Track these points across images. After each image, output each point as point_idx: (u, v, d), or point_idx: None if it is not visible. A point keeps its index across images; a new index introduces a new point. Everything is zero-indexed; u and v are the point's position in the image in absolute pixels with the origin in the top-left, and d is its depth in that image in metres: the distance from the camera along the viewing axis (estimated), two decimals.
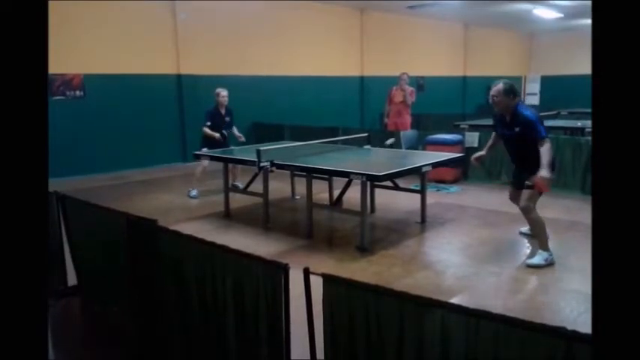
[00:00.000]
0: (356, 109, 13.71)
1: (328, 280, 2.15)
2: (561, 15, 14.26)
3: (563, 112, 11.91)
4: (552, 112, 11.39)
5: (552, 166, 4.18)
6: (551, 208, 5.56)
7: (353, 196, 5.06)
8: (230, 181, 6.54)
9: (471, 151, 7.70)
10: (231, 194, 6.24)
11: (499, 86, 4.26)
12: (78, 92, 8.80)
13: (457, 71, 16.96)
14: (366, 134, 6.78)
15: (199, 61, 10.12)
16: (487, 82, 4.45)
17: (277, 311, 2.23)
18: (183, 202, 7.01)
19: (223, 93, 7.15)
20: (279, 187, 7.03)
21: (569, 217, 5.71)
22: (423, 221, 5.70)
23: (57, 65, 7.97)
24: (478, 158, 4.86)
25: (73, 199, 3.70)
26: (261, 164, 5.17)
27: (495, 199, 6.30)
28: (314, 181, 5.33)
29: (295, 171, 5.78)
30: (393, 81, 9.83)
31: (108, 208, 3.44)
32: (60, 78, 8.53)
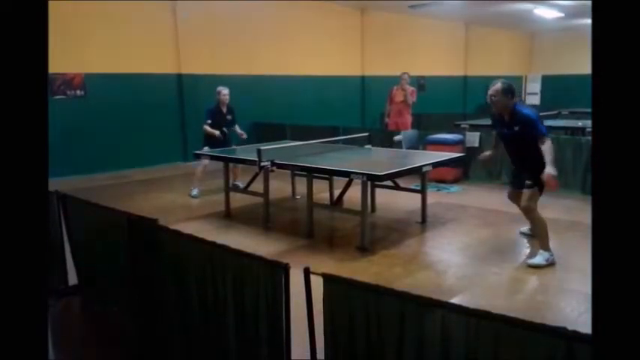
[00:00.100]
0: (357, 109, 13.70)
1: (328, 279, 2.15)
2: (562, 15, 14.25)
3: (564, 112, 11.90)
4: (553, 111, 11.38)
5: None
6: (552, 208, 5.55)
7: (353, 195, 5.06)
8: (230, 181, 6.55)
9: (471, 150, 7.72)
10: (231, 194, 6.24)
11: (497, 86, 4.25)
12: (79, 92, 8.80)
13: (458, 71, 16.95)
14: (366, 134, 6.78)
15: (200, 60, 10.12)
16: (488, 81, 4.44)
17: (277, 311, 2.23)
18: (183, 201, 7.01)
19: (224, 91, 7.16)
20: (280, 186, 7.03)
21: (570, 217, 5.71)
22: (424, 221, 5.70)
23: (58, 65, 7.97)
24: (487, 157, 4.88)
25: (73, 198, 3.71)
26: (262, 164, 5.17)
27: (496, 198, 6.29)
28: (314, 180, 5.33)
29: (296, 170, 5.78)
30: (394, 81, 9.84)
31: (108, 207, 3.44)
32: (61, 77, 8.53)
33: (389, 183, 5.50)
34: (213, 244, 2.56)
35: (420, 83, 14.36)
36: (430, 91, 14.68)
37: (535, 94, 18.33)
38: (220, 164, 6.36)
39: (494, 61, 17.20)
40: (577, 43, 15.68)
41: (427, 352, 1.91)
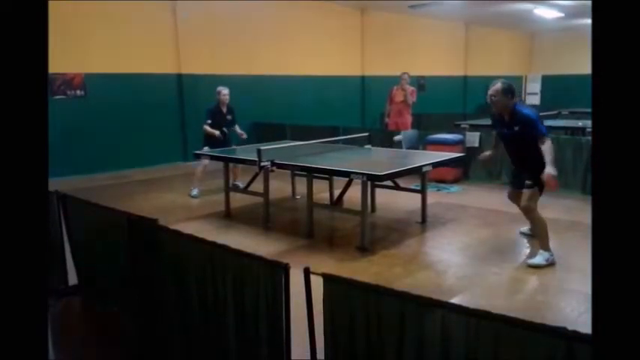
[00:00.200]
0: (357, 109, 13.70)
1: (329, 279, 2.15)
2: (562, 15, 14.25)
3: (564, 112, 11.90)
4: (553, 111, 11.38)
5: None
6: (552, 208, 5.55)
7: (353, 195, 5.06)
8: (231, 181, 6.55)
9: (471, 151, 7.72)
10: (231, 194, 6.24)
11: (497, 86, 4.25)
12: (79, 91, 8.80)
13: (458, 71, 16.95)
14: (366, 134, 6.78)
15: (200, 60, 10.12)
16: (488, 81, 4.44)
17: (277, 311, 2.23)
18: (183, 201, 7.01)
19: (224, 91, 7.17)
20: (280, 186, 7.03)
21: (570, 217, 5.71)
22: (424, 221, 5.70)
23: (58, 65, 7.97)
24: (487, 157, 4.88)
25: (73, 198, 3.71)
26: (262, 164, 5.17)
27: (496, 198, 6.29)
28: (314, 180, 5.33)
29: (296, 170, 5.78)
30: (394, 81, 9.84)
31: (108, 207, 3.44)
32: (61, 77, 8.53)
33: (389, 183, 5.50)
34: (213, 244, 2.56)
35: (420, 83, 14.36)
36: (430, 91, 14.68)
37: (535, 94, 18.33)
38: (220, 164, 6.36)
39: (494, 61, 17.20)
40: (577, 43, 15.68)
41: (427, 352, 1.91)
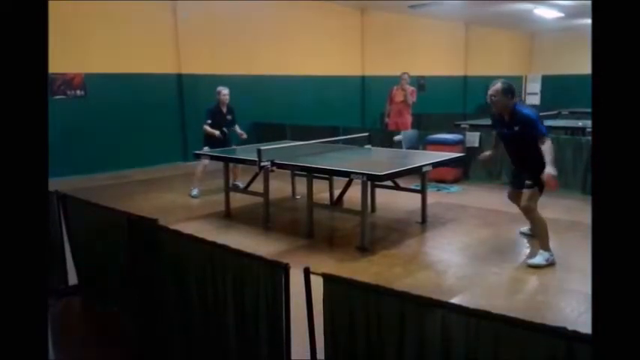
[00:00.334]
0: (357, 109, 13.71)
1: (329, 279, 2.15)
2: (562, 15, 14.25)
3: (564, 112, 11.90)
4: (553, 111, 11.38)
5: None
6: (552, 208, 5.55)
7: (353, 195, 5.06)
8: (231, 181, 6.55)
9: (471, 151, 7.72)
10: (231, 194, 6.24)
11: (497, 86, 4.25)
12: (79, 91, 8.80)
13: (458, 71, 16.95)
14: (366, 134, 6.78)
15: (200, 60, 10.12)
16: (488, 81, 4.44)
17: (277, 311, 2.23)
18: (183, 201, 7.01)
19: (224, 91, 7.17)
20: (280, 186, 7.03)
21: (570, 217, 5.70)
22: (424, 221, 5.70)
23: (58, 65, 7.97)
24: (487, 157, 4.88)
25: (73, 198, 3.71)
26: (262, 164, 5.17)
27: (496, 199, 6.29)
28: (314, 180, 5.33)
29: (296, 170, 5.78)
30: (394, 81, 9.84)
31: (108, 207, 3.44)
32: (61, 77, 8.53)
33: (389, 183, 5.50)
34: (213, 244, 2.56)
35: (420, 83, 14.36)
36: (430, 91, 14.68)
37: (535, 94, 18.33)
38: (220, 164, 6.36)
39: (494, 61, 17.21)
40: (577, 43, 15.68)
41: (427, 352, 1.91)
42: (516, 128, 4.24)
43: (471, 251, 4.82)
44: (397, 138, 8.42)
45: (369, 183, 4.90)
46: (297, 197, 6.90)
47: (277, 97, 11.42)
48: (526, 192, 4.33)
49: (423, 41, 15.15)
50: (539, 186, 4.24)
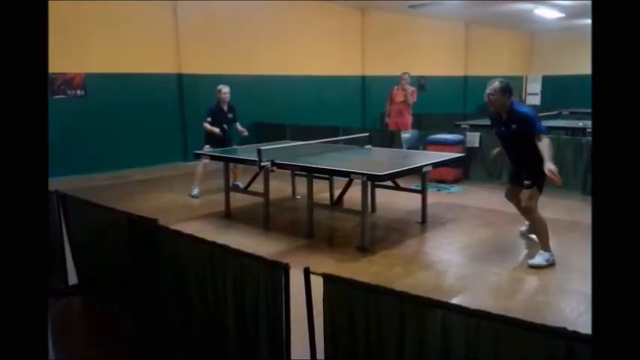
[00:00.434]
0: (357, 109, 13.70)
1: (328, 279, 2.15)
2: (562, 15, 14.25)
3: (565, 112, 11.90)
4: (553, 112, 11.38)
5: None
6: (552, 208, 5.55)
7: (353, 195, 5.06)
8: (231, 181, 6.55)
9: (471, 151, 7.72)
10: (231, 194, 6.24)
11: (495, 84, 4.25)
12: (79, 91, 8.80)
13: (458, 71, 16.95)
14: (367, 134, 6.78)
15: (200, 60, 10.13)
16: (488, 82, 4.45)
17: (277, 311, 2.23)
18: (183, 201, 7.01)
19: (225, 90, 7.19)
20: (280, 186, 7.03)
21: (570, 217, 5.70)
22: (424, 221, 5.70)
23: (58, 64, 7.98)
24: (497, 153, 4.93)
25: (73, 198, 3.71)
26: (262, 164, 5.17)
27: (496, 199, 6.27)
28: (315, 180, 5.33)
29: (296, 170, 5.78)
30: (395, 81, 9.83)
31: (108, 207, 3.44)
32: (61, 77, 8.53)
33: (389, 183, 5.50)
34: (213, 244, 2.56)
35: (421, 83, 14.36)
36: (430, 91, 14.68)
37: (535, 94, 18.31)
38: (220, 164, 6.36)
39: (494, 62, 17.21)
40: (577, 43, 15.68)
41: (427, 352, 1.91)
42: (514, 126, 4.24)
43: (471, 251, 4.82)
44: (405, 136, 8.42)
45: (369, 183, 4.90)
46: (297, 197, 6.90)
47: (277, 97, 11.42)
48: (526, 192, 4.32)
49: (423, 41, 15.15)
50: (539, 186, 4.24)
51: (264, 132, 10.12)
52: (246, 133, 7.34)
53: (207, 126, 7.04)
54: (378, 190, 6.11)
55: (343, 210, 5.37)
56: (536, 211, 4.39)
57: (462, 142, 7.95)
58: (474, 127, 8.86)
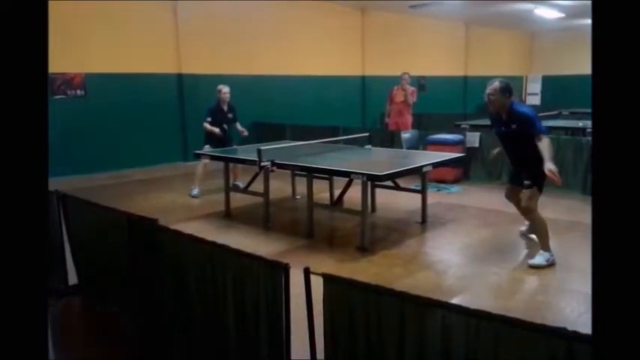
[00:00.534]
0: (357, 109, 13.70)
1: (328, 279, 2.15)
2: (562, 15, 14.25)
3: (565, 112, 11.89)
4: (553, 112, 11.38)
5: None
6: (552, 208, 5.55)
7: (353, 195, 5.06)
8: (231, 181, 6.55)
9: (471, 151, 7.72)
10: (231, 194, 6.24)
11: (495, 84, 4.25)
12: (79, 91, 8.80)
13: (458, 71, 16.95)
14: (367, 134, 6.78)
15: (200, 60, 10.13)
16: (488, 82, 4.45)
17: (277, 311, 2.23)
18: (183, 201, 7.01)
19: (225, 90, 7.19)
20: (280, 186, 7.03)
21: (570, 217, 5.70)
22: (424, 221, 5.70)
23: (58, 64, 7.98)
24: (497, 153, 4.93)
25: (73, 198, 3.71)
26: (262, 164, 5.17)
27: (496, 199, 6.27)
28: (315, 180, 5.33)
29: (296, 170, 5.78)
30: (395, 81, 9.83)
31: (109, 207, 3.44)
32: (61, 77, 8.53)
33: (389, 183, 5.50)
34: (213, 244, 2.56)
35: (421, 83, 14.36)
36: (430, 91, 14.68)
37: (535, 94, 18.30)
38: (220, 164, 6.36)
39: (494, 62, 17.21)
40: (577, 43, 15.68)
41: (427, 352, 1.91)
42: (514, 126, 4.24)
43: (471, 251, 4.82)
44: (405, 136, 8.42)
45: (369, 183, 4.90)
46: (297, 197, 6.90)
47: (277, 97, 11.42)
48: (526, 192, 4.32)
49: (424, 41, 15.15)
50: (539, 186, 4.24)
51: (264, 132, 10.12)
52: (246, 133, 7.34)
53: (207, 126, 7.04)
54: (378, 190, 6.11)
55: (343, 210, 5.37)
56: (536, 211, 4.39)
57: (462, 142, 7.95)
58: (474, 127, 8.86)
